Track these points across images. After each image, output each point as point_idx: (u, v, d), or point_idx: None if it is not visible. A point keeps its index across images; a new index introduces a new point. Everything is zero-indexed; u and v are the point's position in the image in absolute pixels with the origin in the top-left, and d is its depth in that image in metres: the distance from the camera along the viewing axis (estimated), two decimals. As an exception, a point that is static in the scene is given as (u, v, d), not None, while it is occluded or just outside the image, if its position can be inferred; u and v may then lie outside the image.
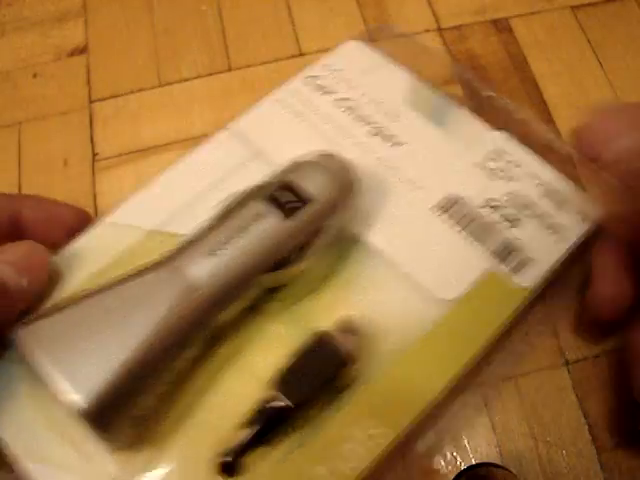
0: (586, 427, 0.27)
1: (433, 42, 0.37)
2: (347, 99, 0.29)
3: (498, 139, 0.29)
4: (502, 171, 0.28)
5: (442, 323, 0.24)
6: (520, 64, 0.36)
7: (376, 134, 0.29)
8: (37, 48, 0.37)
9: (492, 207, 0.27)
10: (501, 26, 0.38)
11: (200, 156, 0.28)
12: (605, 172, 0.23)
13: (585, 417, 0.27)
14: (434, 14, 0.38)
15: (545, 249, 0.26)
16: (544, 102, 0.35)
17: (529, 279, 0.25)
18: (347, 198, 0.25)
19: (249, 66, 0.36)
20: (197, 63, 0.36)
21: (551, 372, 0.28)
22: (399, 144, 0.28)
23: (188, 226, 0.23)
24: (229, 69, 0.36)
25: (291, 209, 0.23)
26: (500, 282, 0.25)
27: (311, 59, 0.32)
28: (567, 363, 0.28)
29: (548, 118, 0.34)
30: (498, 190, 0.28)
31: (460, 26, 0.38)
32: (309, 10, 0.38)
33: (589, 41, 0.37)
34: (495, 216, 0.27)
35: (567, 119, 0.34)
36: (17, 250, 0.24)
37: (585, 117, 0.24)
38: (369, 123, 0.29)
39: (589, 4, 0.39)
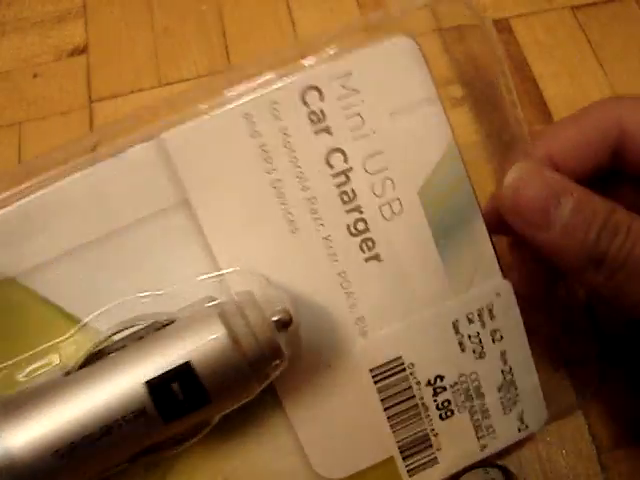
0: (586, 427, 0.27)
1: (433, 42, 0.36)
2: (340, 149, 0.22)
3: (493, 292, 0.24)
4: (475, 342, 0.24)
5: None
6: (520, 64, 0.36)
7: (356, 233, 0.23)
8: (37, 48, 0.36)
9: (436, 389, 0.24)
10: (501, 26, 0.37)
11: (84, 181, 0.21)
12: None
13: (585, 417, 0.28)
14: (434, 14, 0.36)
15: (459, 453, 0.25)
16: (544, 102, 0.35)
17: None
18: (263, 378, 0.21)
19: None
20: (197, 63, 0.36)
21: (551, 372, 0.27)
22: (376, 259, 0.23)
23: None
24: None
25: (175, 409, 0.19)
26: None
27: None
28: (567, 363, 0.28)
29: (548, 118, 0.34)
30: (456, 368, 0.24)
31: (460, 26, 0.36)
32: (309, 10, 0.38)
33: (589, 41, 0.37)
34: (429, 401, 0.24)
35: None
36: None
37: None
38: (351, 204, 0.22)
39: (589, 4, 0.38)
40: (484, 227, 0.24)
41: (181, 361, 0.19)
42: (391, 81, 0.22)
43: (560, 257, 0.21)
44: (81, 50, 0.36)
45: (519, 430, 0.25)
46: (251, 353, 0.20)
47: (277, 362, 0.21)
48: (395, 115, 0.22)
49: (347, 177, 0.22)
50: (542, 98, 0.35)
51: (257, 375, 0.20)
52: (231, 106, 0.21)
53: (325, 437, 0.24)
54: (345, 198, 0.22)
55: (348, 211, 0.22)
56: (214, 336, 0.19)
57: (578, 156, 0.23)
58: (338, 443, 0.24)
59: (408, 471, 0.24)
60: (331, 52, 0.22)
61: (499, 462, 0.26)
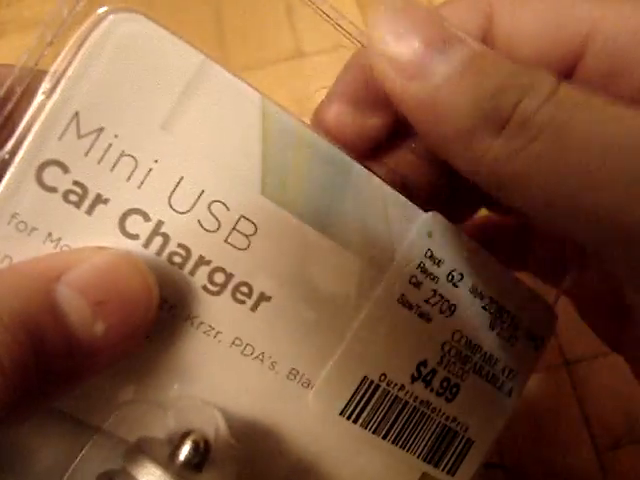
0: (586, 427, 0.27)
1: None
2: (131, 211, 0.15)
3: (424, 234, 0.18)
4: (435, 301, 0.18)
5: None
6: None
7: (218, 289, 0.16)
8: None
9: (423, 379, 0.18)
10: None
11: None
12: None
13: (585, 417, 0.27)
14: None
15: (484, 421, 0.20)
16: None
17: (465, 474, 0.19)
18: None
19: (249, 66, 0.35)
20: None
21: (551, 372, 0.27)
22: (263, 300, 0.17)
23: None
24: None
25: None
26: None
27: (311, 60, 0.33)
28: (567, 363, 0.27)
29: None
30: (432, 343, 0.18)
31: None
32: (309, 10, 0.33)
33: None
34: (425, 394, 0.19)
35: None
36: (93, 264, 0.15)
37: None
38: (189, 261, 0.16)
39: None
40: (366, 172, 0.17)
41: None
42: (133, 85, 0.15)
43: (435, 119, 0.15)
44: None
45: (536, 349, 0.20)
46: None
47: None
48: (167, 125, 0.15)
49: (163, 235, 0.16)
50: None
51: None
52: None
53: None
54: (178, 260, 0.16)
55: (191, 272, 0.16)
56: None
57: None
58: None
59: (448, 472, 0.20)
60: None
61: (499, 462, 0.25)
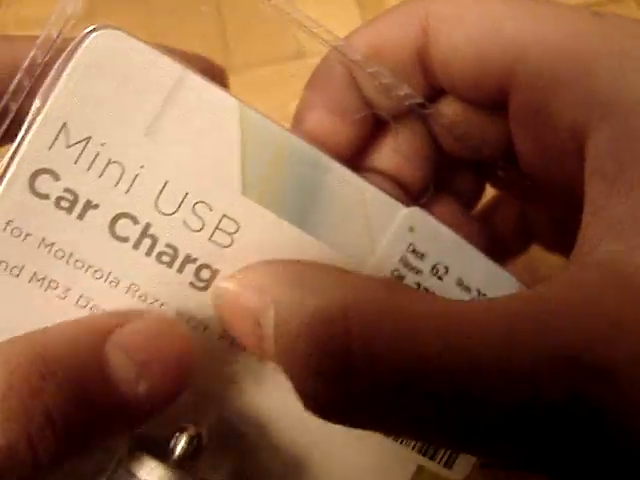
0: None
1: None
2: (120, 215, 0.16)
3: (405, 229, 0.18)
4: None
5: None
6: None
7: (204, 285, 0.17)
8: None
9: None
10: None
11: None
12: None
13: None
14: None
15: None
16: None
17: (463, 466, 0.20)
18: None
19: (249, 66, 0.35)
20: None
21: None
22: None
23: None
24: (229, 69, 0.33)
25: None
26: None
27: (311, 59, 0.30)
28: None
29: None
30: None
31: None
32: (309, 11, 0.34)
33: None
34: None
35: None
36: (139, 326, 0.16)
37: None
38: (177, 260, 0.17)
39: (589, 4, 0.36)
40: (344, 170, 0.18)
41: None
42: (117, 96, 0.16)
43: None
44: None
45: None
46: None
47: None
48: (150, 132, 0.16)
49: (151, 236, 0.17)
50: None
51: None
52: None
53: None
54: (166, 259, 0.17)
55: (180, 269, 0.17)
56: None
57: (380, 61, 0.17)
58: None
59: (445, 465, 0.20)
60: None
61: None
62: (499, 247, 0.22)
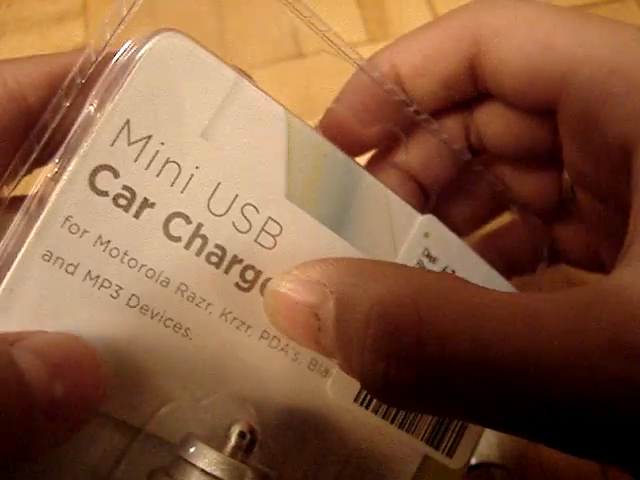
0: None
1: None
2: (174, 214, 0.17)
3: (421, 235, 0.20)
4: None
5: None
6: None
7: (248, 285, 0.17)
8: (37, 48, 0.35)
9: None
10: None
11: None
12: None
13: None
14: (434, 14, 0.37)
15: None
16: None
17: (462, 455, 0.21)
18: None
19: (249, 67, 0.31)
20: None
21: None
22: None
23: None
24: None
25: None
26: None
27: (311, 59, 0.34)
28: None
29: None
30: None
31: None
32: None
33: None
34: None
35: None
36: (46, 336, 0.15)
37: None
38: (224, 260, 0.17)
39: (589, 4, 0.37)
40: (372, 178, 0.19)
41: None
42: (177, 98, 0.16)
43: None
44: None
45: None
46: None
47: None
48: (206, 134, 0.17)
49: (202, 237, 0.17)
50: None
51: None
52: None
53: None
54: (215, 259, 0.17)
55: (226, 270, 0.17)
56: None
57: (429, 73, 0.19)
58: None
59: (447, 454, 0.21)
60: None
61: (499, 462, 0.25)
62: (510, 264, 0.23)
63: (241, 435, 0.16)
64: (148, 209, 0.16)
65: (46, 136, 0.16)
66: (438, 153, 0.21)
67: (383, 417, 0.20)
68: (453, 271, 0.21)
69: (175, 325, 0.17)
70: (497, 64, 0.19)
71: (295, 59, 0.36)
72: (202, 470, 0.16)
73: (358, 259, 0.18)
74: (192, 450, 0.16)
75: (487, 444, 0.26)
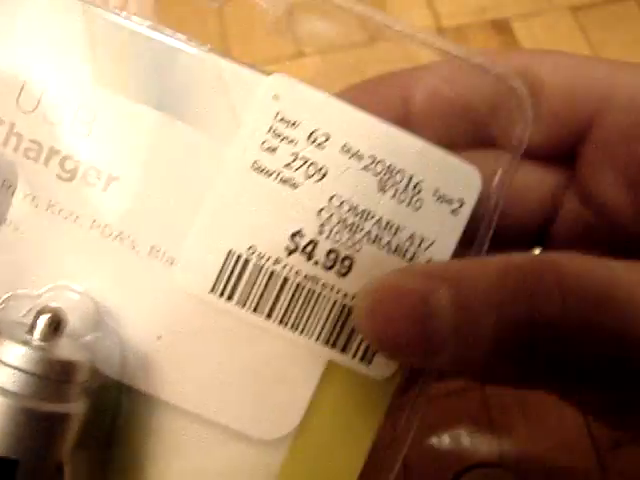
0: (586, 427, 0.27)
1: None
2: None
3: (268, 98, 0.17)
4: (296, 166, 0.17)
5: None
6: None
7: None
8: None
9: (302, 251, 0.17)
10: (501, 26, 0.38)
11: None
12: None
13: (585, 417, 0.27)
14: (434, 14, 0.38)
15: None
16: None
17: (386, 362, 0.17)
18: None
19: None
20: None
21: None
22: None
23: None
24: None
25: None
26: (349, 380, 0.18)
27: (311, 59, 0.34)
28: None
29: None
30: (302, 210, 0.17)
31: (460, 26, 0.38)
32: (309, 11, 0.39)
33: (589, 42, 0.38)
34: (309, 268, 0.17)
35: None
36: None
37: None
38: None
39: (589, 4, 0.38)
40: (195, 52, 0.18)
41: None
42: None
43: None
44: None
45: (454, 213, 0.18)
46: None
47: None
48: (8, 36, 0.18)
49: (16, 134, 0.18)
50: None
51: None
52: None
53: (234, 397, 0.18)
54: (32, 154, 0.18)
55: (45, 163, 0.18)
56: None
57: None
58: (258, 393, 0.18)
59: (361, 359, 0.17)
60: None
61: (499, 462, 0.26)
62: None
63: (40, 318, 0.16)
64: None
65: None
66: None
67: (255, 311, 0.17)
68: (326, 134, 0.17)
69: (1, 220, 0.18)
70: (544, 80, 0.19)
71: (295, 59, 0.36)
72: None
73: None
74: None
75: (486, 444, 0.27)
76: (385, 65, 0.21)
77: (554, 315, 0.15)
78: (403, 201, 0.17)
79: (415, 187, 0.17)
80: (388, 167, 0.17)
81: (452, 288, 0.15)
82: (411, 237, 0.17)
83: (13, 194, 0.18)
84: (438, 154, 0.18)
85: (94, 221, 0.18)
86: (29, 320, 0.17)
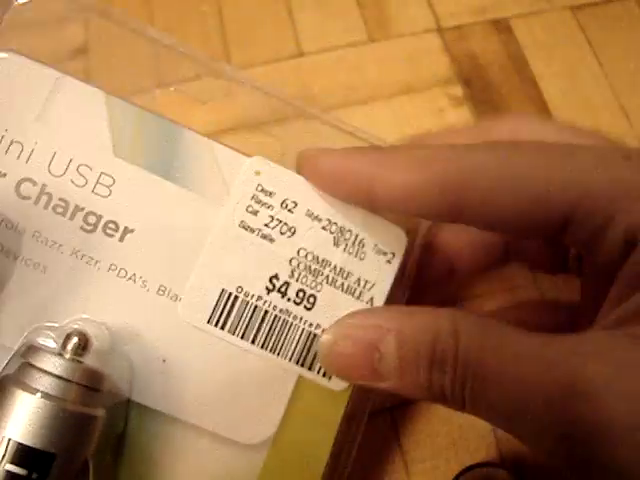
0: None
1: (433, 42, 0.38)
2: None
3: (251, 173, 0.23)
4: (274, 225, 0.23)
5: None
6: (520, 64, 0.37)
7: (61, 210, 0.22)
8: None
9: (278, 290, 0.23)
10: (501, 26, 0.38)
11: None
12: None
13: None
14: (434, 14, 0.38)
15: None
16: (544, 102, 0.35)
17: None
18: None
19: (249, 67, 0.36)
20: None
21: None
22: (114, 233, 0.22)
23: None
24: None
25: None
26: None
27: (311, 59, 0.34)
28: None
29: (548, 118, 0.34)
30: (279, 258, 0.23)
31: (460, 26, 0.38)
32: (309, 11, 0.38)
33: (589, 42, 0.37)
34: (283, 303, 0.23)
35: (567, 120, 0.34)
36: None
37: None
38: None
39: (589, 4, 0.38)
40: (194, 135, 0.23)
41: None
42: (11, 94, 0.23)
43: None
44: (81, 50, 0.35)
45: (389, 262, 0.24)
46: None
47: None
48: (41, 117, 0.22)
49: (47, 194, 0.22)
50: (542, 98, 0.35)
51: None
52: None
53: (224, 409, 0.22)
54: (60, 210, 0.22)
55: (71, 217, 0.22)
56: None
57: None
58: (244, 405, 0.22)
59: (324, 375, 0.23)
60: None
61: (499, 462, 0.26)
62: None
63: (71, 338, 0.20)
64: (1, 178, 0.22)
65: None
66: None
67: (242, 337, 0.22)
68: (294, 202, 0.23)
69: (34, 264, 0.22)
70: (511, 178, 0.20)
71: (295, 59, 0.36)
72: (39, 369, 0.20)
73: (397, 307, 0.23)
74: (32, 354, 0.20)
75: (485, 444, 0.27)
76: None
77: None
78: (352, 253, 0.23)
79: (360, 243, 0.23)
80: (340, 228, 0.23)
81: (396, 337, 0.20)
82: (358, 280, 0.23)
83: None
84: (376, 219, 0.24)
85: (111, 265, 0.22)
86: (54, 345, 0.21)
